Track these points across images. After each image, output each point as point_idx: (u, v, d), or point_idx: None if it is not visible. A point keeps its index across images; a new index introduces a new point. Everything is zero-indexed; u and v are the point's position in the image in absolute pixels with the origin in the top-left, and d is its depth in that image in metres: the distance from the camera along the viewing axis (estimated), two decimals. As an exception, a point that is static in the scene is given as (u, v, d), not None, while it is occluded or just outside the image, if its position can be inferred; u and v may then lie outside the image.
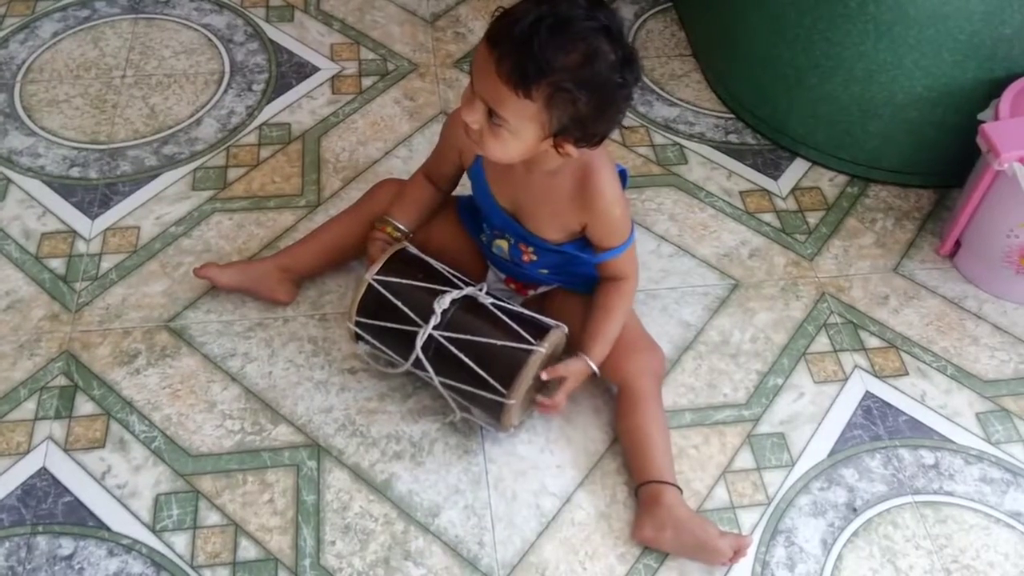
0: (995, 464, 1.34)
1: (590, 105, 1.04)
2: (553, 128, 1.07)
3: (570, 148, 1.10)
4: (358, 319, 1.26)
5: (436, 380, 1.24)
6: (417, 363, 1.23)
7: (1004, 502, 1.30)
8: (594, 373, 1.26)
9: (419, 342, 1.21)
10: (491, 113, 1.07)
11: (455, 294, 1.23)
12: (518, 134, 1.08)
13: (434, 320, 1.21)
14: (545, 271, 1.34)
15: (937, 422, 1.38)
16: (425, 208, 1.39)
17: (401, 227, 1.35)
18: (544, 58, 1.00)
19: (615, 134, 1.74)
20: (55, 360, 1.37)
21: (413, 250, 1.30)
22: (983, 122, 1.45)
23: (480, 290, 1.26)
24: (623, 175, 1.25)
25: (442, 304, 1.22)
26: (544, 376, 1.22)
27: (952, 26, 1.46)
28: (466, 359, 1.20)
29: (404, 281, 1.25)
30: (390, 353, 1.28)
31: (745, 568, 1.22)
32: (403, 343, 1.24)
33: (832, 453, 1.34)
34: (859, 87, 1.59)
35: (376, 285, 1.24)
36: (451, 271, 1.29)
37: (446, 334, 1.21)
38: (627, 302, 1.29)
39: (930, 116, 1.59)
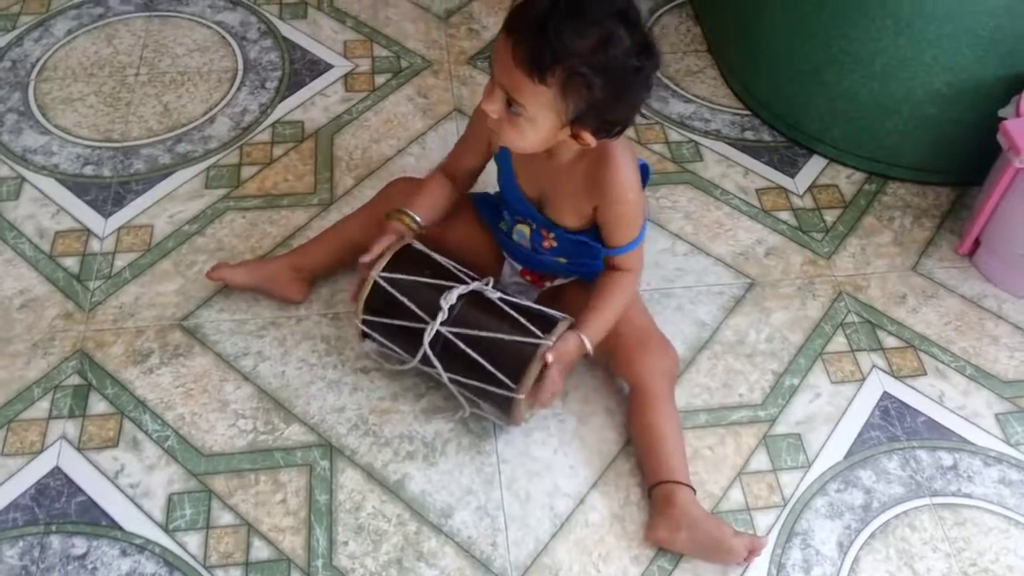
0: (1015, 466, 1.32)
1: (606, 90, 1.04)
2: (570, 115, 1.07)
3: (588, 137, 1.10)
4: (365, 317, 1.26)
5: (444, 376, 1.23)
6: (425, 360, 1.23)
7: (1023, 504, 1.29)
8: (587, 353, 1.23)
9: (427, 338, 1.21)
10: (510, 102, 1.07)
11: (461, 289, 1.22)
12: (535, 122, 1.08)
13: (441, 316, 1.20)
14: (563, 260, 1.33)
15: (956, 423, 1.37)
16: (442, 204, 1.36)
17: (417, 219, 1.33)
18: (559, 43, 1.00)
19: (630, 131, 1.73)
20: (69, 359, 1.37)
21: (418, 246, 1.29)
22: (1004, 119, 1.42)
23: (487, 285, 1.25)
24: (645, 169, 1.24)
25: (449, 300, 1.21)
26: (548, 357, 1.18)
27: (973, 21, 1.44)
28: (474, 354, 1.20)
29: (410, 278, 1.24)
30: (398, 350, 1.27)
31: (760, 570, 1.21)
32: (411, 340, 1.23)
33: (849, 454, 1.32)
34: (877, 83, 1.57)
35: (382, 282, 1.24)
36: (457, 266, 1.28)
37: (453, 330, 1.21)
38: (628, 293, 1.28)
39: (949, 113, 1.57)
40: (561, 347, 1.20)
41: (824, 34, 1.58)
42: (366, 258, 1.25)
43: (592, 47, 1.01)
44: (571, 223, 1.26)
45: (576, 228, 1.26)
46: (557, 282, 1.39)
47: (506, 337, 1.20)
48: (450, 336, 1.21)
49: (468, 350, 1.20)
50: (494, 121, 1.11)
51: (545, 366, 1.18)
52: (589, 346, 1.22)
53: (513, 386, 1.19)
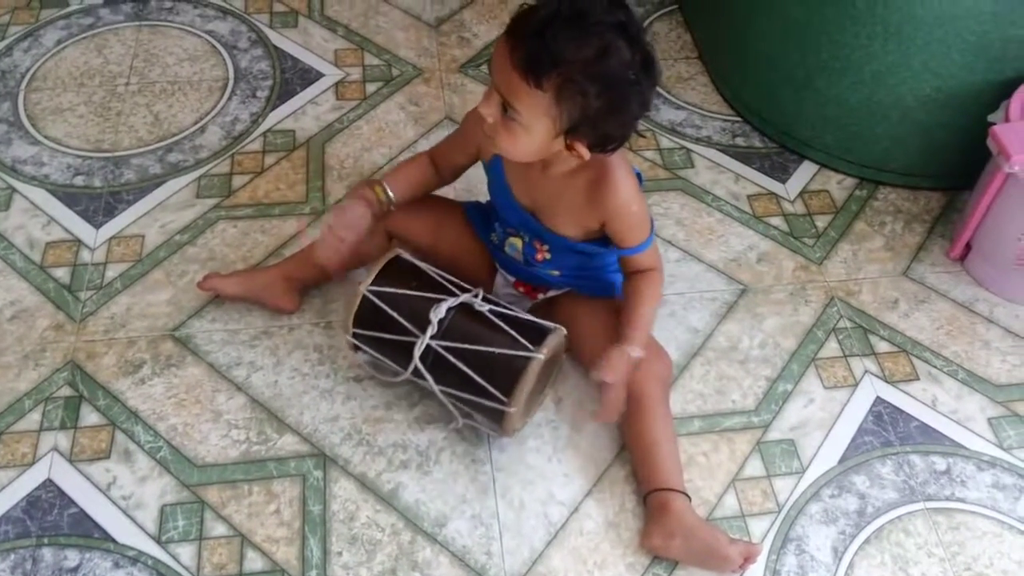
0: (1008, 470, 1.33)
1: (600, 101, 1.04)
2: (564, 124, 1.07)
3: (582, 149, 1.10)
4: (355, 331, 1.25)
5: (436, 389, 1.23)
6: (416, 373, 1.22)
7: (1017, 508, 1.29)
8: (640, 357, 1.22)
9: (417, 352, 1.20)
10: (506, 108, 1.07)
11: (451, 302, 1.22)
12: (530, 129, 1.08)
13: (431, 330, 1.20)
14: (556, 272, 1.33)
15: (948, 427, 1.37)
16: (419, 187, 1.34)
17: (390, 193, 1.29)
18: (557, 48, 1.01)
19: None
20: (60, 370, 1.36)
21: (407, 257, 1.29)
22: (993, 124, 1.43)
23: (476, 296, 1.24)
24: (638, 177, 1.25)
25: (438, 313, 1.21)
26: (607, 379, 1.17)
27: (961, 27, 1.45)
28: (465, 368, 1.19)
29: (399, 291, 1.24)
30: (389, 363, 1.27)
31: (756, 577, 1.21)
32: (401, 353, 1.23)
33: (843, 460, 1.33)
34: (867, 89, 1.58)
35: (371, 296, 1.23)
36: (447, 277, 1.27)
37: (444, 343, 1.20)
38: (657, 289, 1.27)
39: (939, 118, 1.58)
40: (613, 366, 1.18)
41: (814, 40, 1.58)
42: (330, 217, 1.26)
43: (590, 56, 1.02)
44: (572, 233, 1.25)
45: (577, 239, 1.26)
46: (551, 293, 1.39)
47: (496, 350, 1.20)
48: (440, 350, 1.20)
49: (459, 364, 1.20)
50: (489, 126, 1.11)
51: (605, 386, 1.17)
52: (639, 352, 1.21)
53: (505, 400, 1.18)
